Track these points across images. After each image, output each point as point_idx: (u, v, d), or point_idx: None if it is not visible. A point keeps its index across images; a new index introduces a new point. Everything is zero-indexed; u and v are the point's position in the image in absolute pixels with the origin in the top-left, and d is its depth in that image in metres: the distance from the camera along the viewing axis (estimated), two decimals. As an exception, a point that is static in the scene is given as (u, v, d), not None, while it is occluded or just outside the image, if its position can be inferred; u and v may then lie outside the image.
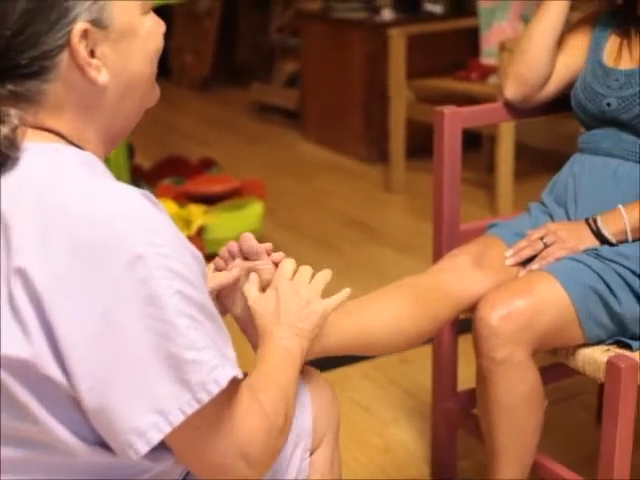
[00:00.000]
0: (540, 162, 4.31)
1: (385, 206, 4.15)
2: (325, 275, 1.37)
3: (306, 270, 1.36)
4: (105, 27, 1.03)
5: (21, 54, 1.00)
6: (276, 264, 1.38)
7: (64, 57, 1.02)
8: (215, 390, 0.98)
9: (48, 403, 0.99)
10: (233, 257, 1.39)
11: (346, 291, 1.38)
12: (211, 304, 1.03)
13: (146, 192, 1.02)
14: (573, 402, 2.39)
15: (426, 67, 4.23)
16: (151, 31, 1.09)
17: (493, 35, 4.06)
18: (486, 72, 4.00)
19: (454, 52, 4.39)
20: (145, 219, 0.98)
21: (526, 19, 3.98)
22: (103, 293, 0.95)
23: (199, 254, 1.03)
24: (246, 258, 1.38)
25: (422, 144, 3.99)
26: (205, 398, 0.97)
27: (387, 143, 4.22)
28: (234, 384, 1.02)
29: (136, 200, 0.99)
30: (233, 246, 1.39)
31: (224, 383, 0.99)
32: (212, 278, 1.37)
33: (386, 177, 4.31)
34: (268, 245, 1.39)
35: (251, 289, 1.34)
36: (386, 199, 4.19)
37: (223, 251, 1.40)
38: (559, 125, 4.13)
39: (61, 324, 0.95)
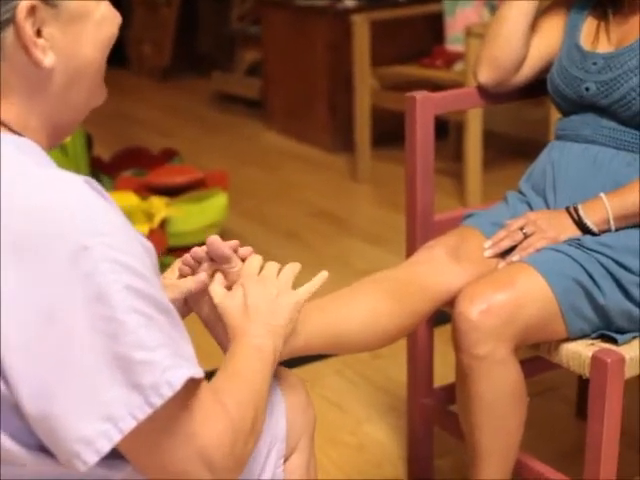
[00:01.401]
0: (508, 149, 4.28)
1: (352, 196, 4.09)
2: (293, 268, 1.29)
3: (272, 265, 1.29)
4: (55, 5, 0.97)
5: None
6: (244, 260, 1.31)
7: (9, 34, 0.95)
8: (168, 393, 0.91)
9: None
10: (199, 262, 1.31)
11: (322, 275, 1.31)
12: (165, 298, 0.95)
13: (90, 179, 0.95)
14: (552, 395, 2.34)
15: (390, 54, 4.20)
16: (105, 17, 1.03)
17: (458, 21, 4.01)
18: (451, 59, 3.95)
19: (418, 39, 4.36)
20: (90, 208, 0.91)
21: (491, 5, 3.93)
22: (46, 289, 0.88)
23: (150, 245, 0.97)
24: (213, 260, 1.31)
25: (388, 132, 3.96)
26: (158, 402, 0.90)
27: (352, 132, 4.15)
28: (193, 385, 0.95)
29: (80, 188, 0.92)
30: (198, 252, 1.31)
31: (178, 385, 0.91)
32: (178, 285, 1.29)
33: (352, 166, 4.25)
34: (234, 243, 1.31)
35: (216, 288, 1.27)
36: (353, 189, 4.13)
37: (186, 258, 1.31)
38: (527, 112, 4.09)
39: None
